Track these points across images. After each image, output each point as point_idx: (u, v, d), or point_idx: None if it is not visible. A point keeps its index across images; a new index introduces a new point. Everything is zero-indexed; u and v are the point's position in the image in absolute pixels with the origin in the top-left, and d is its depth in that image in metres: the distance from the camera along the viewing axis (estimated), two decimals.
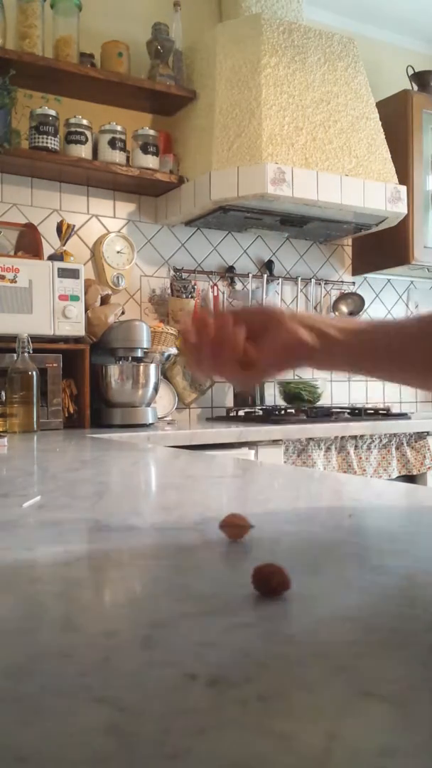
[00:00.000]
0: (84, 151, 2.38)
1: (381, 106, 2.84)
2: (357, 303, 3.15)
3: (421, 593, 0.43)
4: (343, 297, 3.15)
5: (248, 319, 0.69)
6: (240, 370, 0.69)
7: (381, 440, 2.40)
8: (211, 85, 2.51)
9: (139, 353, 2.34)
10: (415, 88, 3.12)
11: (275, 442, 2.18)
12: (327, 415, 2.50)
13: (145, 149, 2.49)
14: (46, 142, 2.30)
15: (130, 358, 2.32)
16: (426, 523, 0.68)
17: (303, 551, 0.53)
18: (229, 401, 2.82)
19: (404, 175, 2.82)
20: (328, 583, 0.44)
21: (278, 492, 0.90)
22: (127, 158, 2.49)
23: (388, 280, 3.35)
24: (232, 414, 2.69)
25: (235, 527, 0.55)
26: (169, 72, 2.56)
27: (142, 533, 0.60)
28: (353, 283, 3.21)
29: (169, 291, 2.72)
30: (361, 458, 2.35)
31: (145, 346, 2.33)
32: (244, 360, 0.68)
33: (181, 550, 0.53)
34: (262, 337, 0.68)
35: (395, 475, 2.42)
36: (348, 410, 2.60)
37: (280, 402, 2.84)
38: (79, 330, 2.18)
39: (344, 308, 3.14)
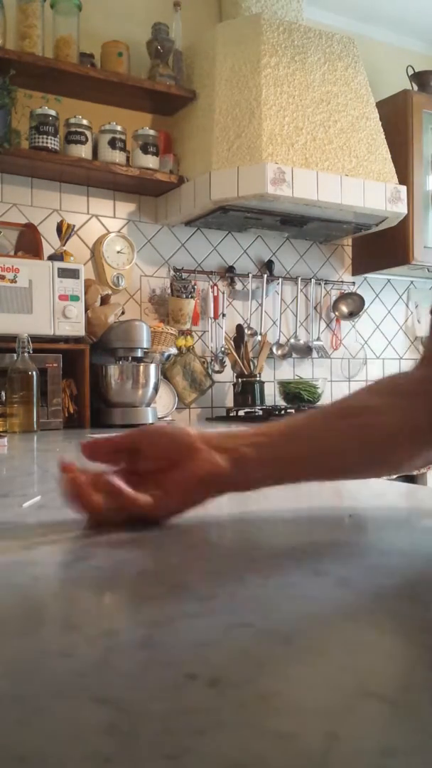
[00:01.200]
0: (84, 151, 2.38)
1: (381, 106, 2.84)
2: (357, 303, 3.15)
3: (421, 593, 0.43)
4: (343, 297, 3.15)
5: (153, 452, 0.61)
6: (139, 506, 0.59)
7: None
8: (211, 85, 2.51)
9: (139, 353, 2.34)
10: (415, 88, 3.12)
11: None
12: None
13: (145, 149, 2.49)
14: (46, 142, 2.30)
15: (130, 358, 2.32)
16: (426, 523, 0.68)
17: (303, 551, 0.53)
18: (229, 401, 2.83)
19: (404, 175, 2.82)
20: (328, 583, 0.44)
21: (278, 492, 0.90)
22: (127, 158, 2.49)
23: (388, 280, 3.35)
24: (232, 414, 2.69)
25: None
26: (169, 72, 2.56)
27: (142, 533, 0.60)
28: (353, 283, 3.21)
29: (169, 291, 2.72)
30: None
31: (145, 346, 2.33)
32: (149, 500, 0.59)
33: (181, 549, 0.53)
34: (171, 472, 0.59)
35: (395, 475, 2.42)
36: None
37: (280, 402, 2.84)
38: (79, 330, 2.18)
39: (344, 308, 3.14)
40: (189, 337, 2.72)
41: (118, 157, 2.43)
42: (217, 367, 2.81)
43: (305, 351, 3.06)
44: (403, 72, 3.18)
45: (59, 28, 2.38)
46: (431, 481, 2.50)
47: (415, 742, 0.24)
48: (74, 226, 2.43)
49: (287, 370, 3.05)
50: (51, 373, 2.14)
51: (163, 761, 0.23)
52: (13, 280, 2.07)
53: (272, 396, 2.90)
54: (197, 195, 2.47)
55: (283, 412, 2.55)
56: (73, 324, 2.16)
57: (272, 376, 2.96)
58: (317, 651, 0.33)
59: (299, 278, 3.04)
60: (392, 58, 3.28)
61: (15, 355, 1.97)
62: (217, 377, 2.82)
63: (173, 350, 2.60)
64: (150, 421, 2.28)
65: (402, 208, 2.66)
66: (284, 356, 2.99)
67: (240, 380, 2.70)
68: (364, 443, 0.64)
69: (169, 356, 2.61)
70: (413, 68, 3.15)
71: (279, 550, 0.54)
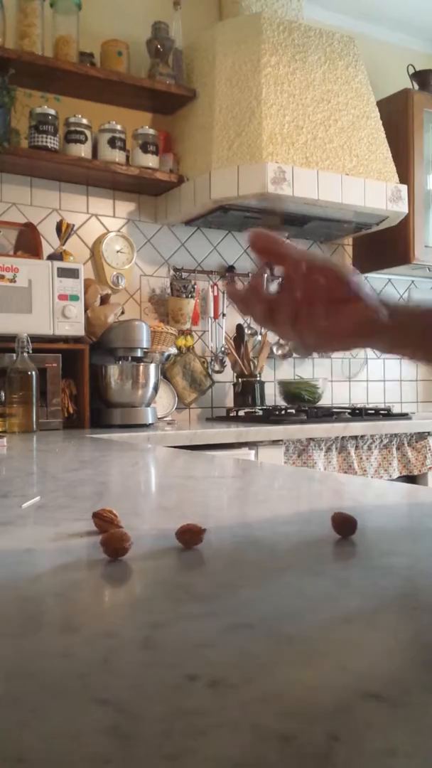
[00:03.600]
0: (84, 151, 2.38)
1: (382, 105, 2.84)
2: None
3: (421, 594, 0.43)
4: None
5: (321, 280, 0.63)
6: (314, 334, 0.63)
7: (382, 440, 2.40)
8: (211, 84, 2.50)
9: (139, 353, 2.34)
10: (416, 87, 3.12)
11: (275, 442, 2.18)
12: (328, 415, 2.50)
13: (144, 148, 2.49)
14: (46, 142, 2.30)
15: (129, 358, 2.32)
16: (427, 523, 0.68)
17: (303, 551, 0.53)
18: (230, 401, 2.82)
19: (405, 174, 2.82)
20: (329, 584, 0.44)
21: (278, 492, 0.90)
22: (127, 157, 2.49)
23: (389, 280, 3.35)
24: (232, 414, 2.69)
25: (189, 534, 0.54)
26: (169, 71, 2.56)
27: (142, 533, 0.60)
28: None
29: (169, 291, 2.71)
30: (361, 458, 2.34)
31: (144, 346, 2.33)
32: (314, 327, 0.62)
33: (181, 550, 0.53)
34: (334, 307, 0.63)
35: (396, 475, 2.42)
36: (349, 410, 2.60)
37: (281, 402, 2.84)
38: (79, 330, 2.18)
39: None
40: (189, 337, 2.72)
41: (118, 156, 2.43)
42: (217, 367, 2.81)
43: None
44: (403, 71, 3.18)
45: (59, 27, 2.38)
46: (431, 481, 2.50)
47: (415, 742, 0.24)
48: (74, 225, 2.43)
49: (287, 370, 3.05)
50: (50, 373, 2.14)
51: (163, 762, 0.23)
52: (13, 280, 2.07)
53: (272, 396, 2.90)
54: (197, 194, 2.47)
55: (283, 412, 2.55)
56: (72, 324, 2.16)
57: (272, 376, 2.96)
58: (317, 651, 0.33)
59: None
60: (393, 57, 3.28)
61: (14, 355, 1.97)
62: (217, 377, 2.82)
63: (173, 350, 2.60)
64: (150, 422, 2.28)
65: (403, 208, 2.66)
66: (284, 356, 2.99)
67: (240, 380, 2.70)
68: None
69: (169, 356, 2.61)
70: (414, 67, 3.15)
71: (279, 551, 0.54)
